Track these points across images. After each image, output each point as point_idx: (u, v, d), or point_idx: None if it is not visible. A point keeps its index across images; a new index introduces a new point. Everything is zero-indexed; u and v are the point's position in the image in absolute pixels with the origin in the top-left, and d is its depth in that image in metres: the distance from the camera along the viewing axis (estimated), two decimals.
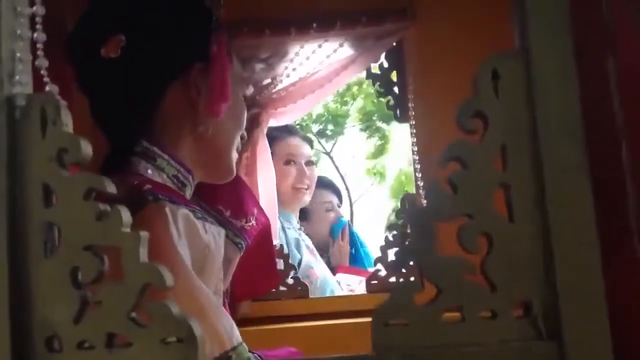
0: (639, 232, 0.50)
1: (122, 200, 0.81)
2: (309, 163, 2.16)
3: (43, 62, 0.53)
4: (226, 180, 1.01)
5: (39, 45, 0.52)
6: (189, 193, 0.94)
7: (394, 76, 1.58)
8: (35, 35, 0.52)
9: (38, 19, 0.52)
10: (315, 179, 2.18)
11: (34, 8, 0.51)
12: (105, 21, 0.91)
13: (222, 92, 0.92)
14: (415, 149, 1.50)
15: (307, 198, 2.14)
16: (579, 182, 0.50)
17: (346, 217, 2.47)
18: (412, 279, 1.44)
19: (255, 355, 0.90)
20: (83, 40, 0.92)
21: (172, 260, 0.76)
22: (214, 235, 0.90)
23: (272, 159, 2.09)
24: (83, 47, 0.91)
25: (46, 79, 0.53)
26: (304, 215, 2.27)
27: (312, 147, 2.30)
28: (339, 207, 2.44)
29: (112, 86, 0.90)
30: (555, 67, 0.51)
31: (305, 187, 2.10)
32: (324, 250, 2.27)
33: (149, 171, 0.88)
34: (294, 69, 1.56)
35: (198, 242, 0.85)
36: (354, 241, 2.25)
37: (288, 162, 2.10)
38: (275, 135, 2.13)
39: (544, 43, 0.51)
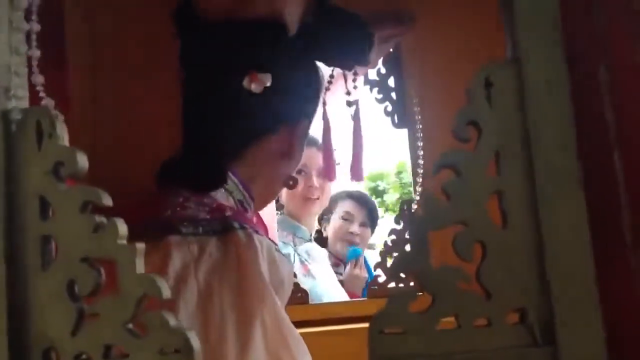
0: (632, 239, 0.50)
1: (208, 222, 0.84)
2: (322, 174, 2.12)
3: (38, 79, 0.53)
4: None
5: (34, 62, 0.53)
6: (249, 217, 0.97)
7: (391, 82, 1.58)
8: (29, 51, 0.52)
9: (33, 36, 0.52)
10: (329, 191, 2.14)
11: (29, 24, 0.52)
12: (252, 53, 0.93)
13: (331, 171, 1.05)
14: (414, 154, 1.50)
15: (317, 209, 2.10)
16: (572, 189, 0.50)
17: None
18: (411, 284, 1.43)
19: None
20: (225, 61, 0.94)
21: (263, 290, 0.81)
22: (286, 271, 0.94)
23: None
24: (224, 67, 0.94)
25: (42, 94, 0.53)
26: (326, 216, 2.26)
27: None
28: (365, 226, 2.33)
29: (232, 113, 0.93)
30: (546, 75, 0.51)
31: (316, 197, 2.07)
32: (339, 260, 2.22)
33: (220, 193, 0.91)
34: None
35: (276, 276, 0.88)
36: (368, 272, 2.17)
37: (299, 172, 2.08)
38: None
39: (535, 51, 0.51)
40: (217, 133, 0.94)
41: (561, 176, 0.50)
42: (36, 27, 0.52)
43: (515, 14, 0.51)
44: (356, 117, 1.09)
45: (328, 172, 1.09)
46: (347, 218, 2.28)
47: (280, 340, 0.79)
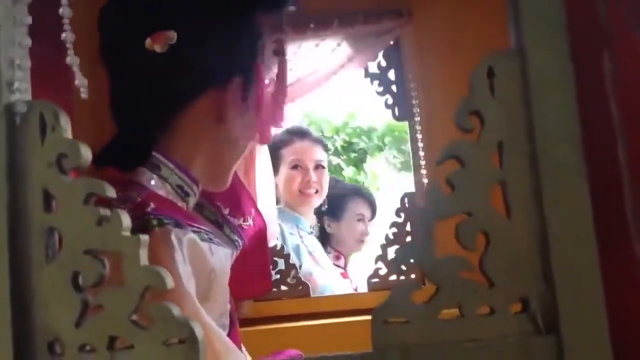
0: (636, 228, 0.50)
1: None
2: (318, 167, 2.11)
3: (75, 60, 0.54)
4: (218, 191, 0.98)
5: (69, 45, 0.53)
6: (192, 203, 0.91)
7: (391, 75, 1.58)
8: (64, 35, 0.53)
9: (66, 20, 0.52)
10: (326, 182, 2.14)
11: (62, 8, 0.52)
12: (155, 11, 0.85)
13: (277, 116, 0.92)
14: (414, 146, 1.50)
15: (316, 201, 2.11)
16: (576, 179, 0.50)
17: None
18: (412, 276, 1.44)
19: None
20: (125, 25, 0.86)
21: (179, 296, 0.74)
22: (220, 258, 0.89)
23: (281, 163, 2.09)
24: (124, 32, 0.86)
25: (77, 75, 0.53)
26: (335, 213, 2.27)
27: (326, 149, 2.24)
28: (370, 221, 2.36)
29: (143, 80, 0.86)
30: (551, 66, 0.51)
31: (314, 191, 2.08)
32: (340, 254, 2.25)
33: (153, 182, 0.86)
34: (291, 69, 1.56)
35: (204, 268, 0.83)
36: None
37: (294, 167, 2.08)
38: (285, 139, 2.12)
39: (539, 41, 0.51)
40: (134, 103, 0.87)
41: (565, 167, 0.50)
42: (68, 12, 0.53)
43: (520, 4, 0.51)
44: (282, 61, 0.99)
45: (275, 114, 0.97)
46: (361, 219, 2.32)
47: (208, 350, 0.76)
